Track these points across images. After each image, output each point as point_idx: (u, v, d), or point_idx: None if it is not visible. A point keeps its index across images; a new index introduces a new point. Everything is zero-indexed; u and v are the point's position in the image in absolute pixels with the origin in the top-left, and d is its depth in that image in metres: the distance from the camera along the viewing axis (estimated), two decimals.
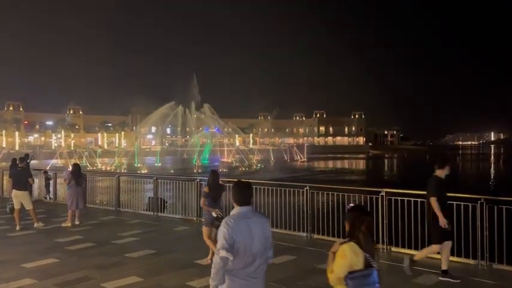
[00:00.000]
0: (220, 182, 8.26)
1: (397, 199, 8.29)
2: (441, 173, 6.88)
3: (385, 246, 8.21)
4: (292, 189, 10.05)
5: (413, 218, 7.97)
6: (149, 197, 13.82)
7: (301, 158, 79.46)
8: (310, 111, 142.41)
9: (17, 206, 10.93)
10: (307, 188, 9.43)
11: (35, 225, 10.92)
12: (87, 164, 50.67)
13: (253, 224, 3.50)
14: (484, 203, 7.10)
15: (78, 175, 11.78)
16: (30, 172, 12.06)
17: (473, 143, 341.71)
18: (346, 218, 3.37)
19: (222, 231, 3.42)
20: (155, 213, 12.64)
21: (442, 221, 6.39)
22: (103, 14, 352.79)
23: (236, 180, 4.13)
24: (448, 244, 6.60)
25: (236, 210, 3.58)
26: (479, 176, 49.05)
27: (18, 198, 10.94)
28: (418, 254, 6.85)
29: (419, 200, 7.92)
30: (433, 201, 6.51)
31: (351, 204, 3.60)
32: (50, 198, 16.12)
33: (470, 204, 7.31)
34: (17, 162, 16.57)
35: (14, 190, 11.00)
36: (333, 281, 3.23)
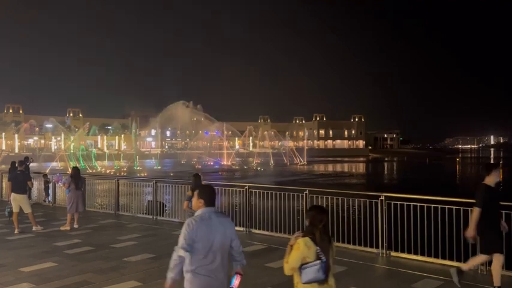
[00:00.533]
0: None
1: (397, 203, 8.26)
2: (490, 180, 6.21)
3: (384, 251, 8.19)
4: (291, 193, 10.04)
5: (413, 223, 7.95)
6: (148, 201, 13.80)
7: (300, 161, 79.47)
8: (310, 114, 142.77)
9: (15, 210, 10.91)
10: (307, 192, 9.41)
11: (34, 228, 10.90)
12: (86, 166, 50.65)
13: (215, 224, 3.76)
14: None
15: (77, 178, 11.76)
16: (29, 175, 12.03)
17: (472, 146, 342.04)
18: (306, 216, 3.80)
19: (183, 231, 3.69)
20: (154, 217, 12.61)
21: (469, 233, 6.04)
22: (103, 18, 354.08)
23: (205, 183, 4.59)
24: (498, 257, 5.99)
25: (200, 211, 3.84)
26: (478, 180, 48.93)
27: (17, 201, 10.92)
28: (465, 265, 6.45)
29: (418, 204, 7.91)
30: (474, 211, 6.05)
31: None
32: (49, 201, 16.09)
33: (469, 209, 7.27)
34: (16, 165, 16.62)
35: (12, 193, 10.98)
36: (288, 271, 3.66)
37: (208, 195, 3.88)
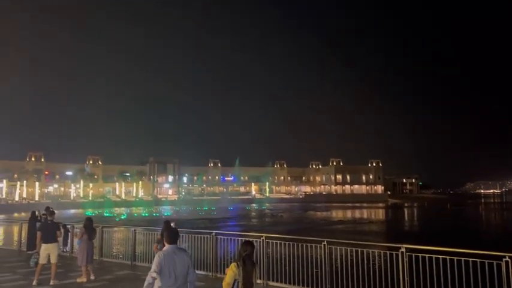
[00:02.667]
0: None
1: (418, 256, 8.00)
2: None
3: None
4: (309, 244, 9.86)
5: (436, 278, 7.65)
6: None
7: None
8: (326, 159, 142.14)
9: (42, 261, 10.87)
10: (325, 243, 9.24)
11: (52, 282, 10.77)
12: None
13: (177, 256, 5.27)
14: (509, 262, 6.81)
15: (90, 229, 11.82)
16: (58, 225, 12.06)
17: (495, 191, 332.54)
18: (240, 248, 5.49)
19: (155, 260, 5.19)
20: None
21: None
22: (117, 67, 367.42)
23: (169, 226, 6.45)
24: None
25: (166, 247, 5.36)
26: (504, 228, 47.25)
27: (49, 250, 10.89)
28: None
29: (441, 257, 7.65)
30: None
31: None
32: (66, 251, 16.11)
33: (494, 262, 7.01)
34: (36, 214, 16.83)
35: (43, 244, 10.96)
36: (225, 286, 5.20)
37: (172, 236, 5.44)
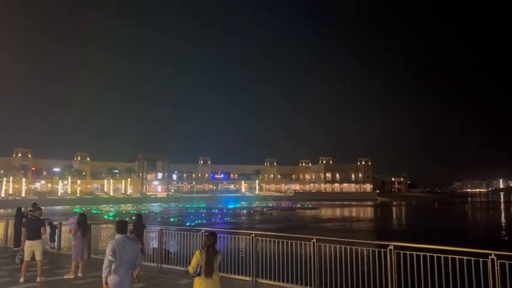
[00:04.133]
0: (143, 223, 11.93)
1: (406, 253, 8.07)
2: None
3: None
4: (299, 242, 9.88)
5: (423, 274, 7.73)
6: (153, 248, 13.61)
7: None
8: (316, 157, 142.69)
9: (27, 258, 10.73)
10: (314, 240, 9.28)
11: (38, 279, 10.62)
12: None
13: (127, 244, 6.32)
14: (495, 259, 6.89)
15: (84, 225, 11.70)
16: (43, 221, 11.90)
17: (481, 190, 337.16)
18: (205, 238, 6.49)
19: (109, 246, 6.22)
20: (159, 265, 12.41)
21: None
22: (106, 60, 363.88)
23: (118, 219, 7.05)
24: None
25: (117, 236, 6.39)
26: (490, 226, 47.94)
27: (33, 247, 10.72)
28: None
29: (428, 254, 7.72)
30: None
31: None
32: (53, 247, 15.94)
33: (480, 260, 7.10)
34: (23, 211, 16.62)
35: (27, 241, 10.80)
36: (190, 270, 6.21)
37: (122, 227, 6.54)
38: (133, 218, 12.16)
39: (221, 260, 6.68)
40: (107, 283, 6.03)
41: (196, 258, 6.13)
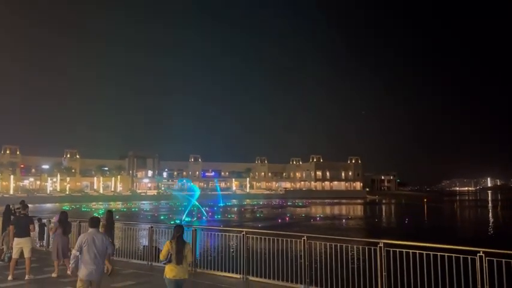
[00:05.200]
0: (113, 219, 12.72)
1: (396, 250, 8.13)
2: None
3: None
4: (289, 239, 9.90)
5: (412, 271, 7.80)
6: (144, 246, 13.54)
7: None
8: (307, 155, 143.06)
9: (15, 256, 10.63)
10: (305, 238, 9.29)
11: (26, 277, 10.51)
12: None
13: (96, 237, 6.93)
14: (483, 257, 6.97)
15: (65, 224, 11.59)
16: (31, 218, 11.75)
17: (470, 188, 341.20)
18: (174, 230, 7.20)
19: (78, 240, 6.96)
20: (149, 263, 12.35)
21: None
22: (97, 56, 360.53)
23: (92, 216, 7.49)
24: None
25: (89, 230, 7.05)
26: (478, 224, 48.52)
27: (21, 245, 10.62)
28: None
29: (417, 252, 7.79)
30: None
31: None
32: (42, 245, 15.78)
33: (469, 257, 7.18)
34: (15, 208, 16.39)
35: (16, 238, 10.69)
36: (161, 257, 6.92)
37: (94, 223, 7.16)
38: (104, 214, 12.94)
39: (190, 248, 7.24)
40: (73, 272, 6.98)
41: (167, 247, 6.87)
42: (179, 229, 7.10)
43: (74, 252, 6.77)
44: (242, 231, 10.50)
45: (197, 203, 51.51)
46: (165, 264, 6.87)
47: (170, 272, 6.83)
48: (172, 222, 33.34)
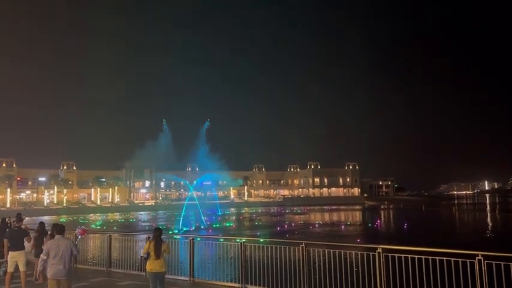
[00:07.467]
0: (45, 229, 12.57)
1: (394, 256, 8.09)
2: None
3: None
4: (288, 247, 9.85)
5: (411, 277, 7.75)
6: (141, 256, 13.41)
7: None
8: (304, 162, 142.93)
9: (10, 269, 10.49)
10: (303, 245, 9.25)
11: None
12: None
13: (61, 242, 7.88)
14: (482, 260, 6.95)
15: (43, 234, 11.57)
16: (27, 231, 11.64)
17: (467, 192, 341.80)
18: (153, 231, 8.80)
19: (45, 246, 8.04)
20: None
21: None
22: (86, 67, 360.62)
23: (55, 223, 8.58)
24: None
25: (56, 237, 8.02)
26: (476, 228, 48.49)
27: (15, 258, 10.49)
28: None
29: (416, 256, 7.76)
30: None
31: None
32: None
33: (468, 261, 7.15)
34: (10, 221, 16.27)
35: (10, 252, 10.56)
36: (142, 253, 8.79)
37: (59, 230, 8.12)
38: (37, 225, 13.01)
39: (168, 246, 8.80)
40: (41, 275, 8.37)
41: (148, 245, 8.50)
42: (157, 231, 8.74)
43: (42, 256, 7.87)
44: (240, 240, 10.45)
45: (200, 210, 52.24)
46: (145, 259, 8.38)
47: (149, 265, 8.34)
48: (170, 232, 33.15)
